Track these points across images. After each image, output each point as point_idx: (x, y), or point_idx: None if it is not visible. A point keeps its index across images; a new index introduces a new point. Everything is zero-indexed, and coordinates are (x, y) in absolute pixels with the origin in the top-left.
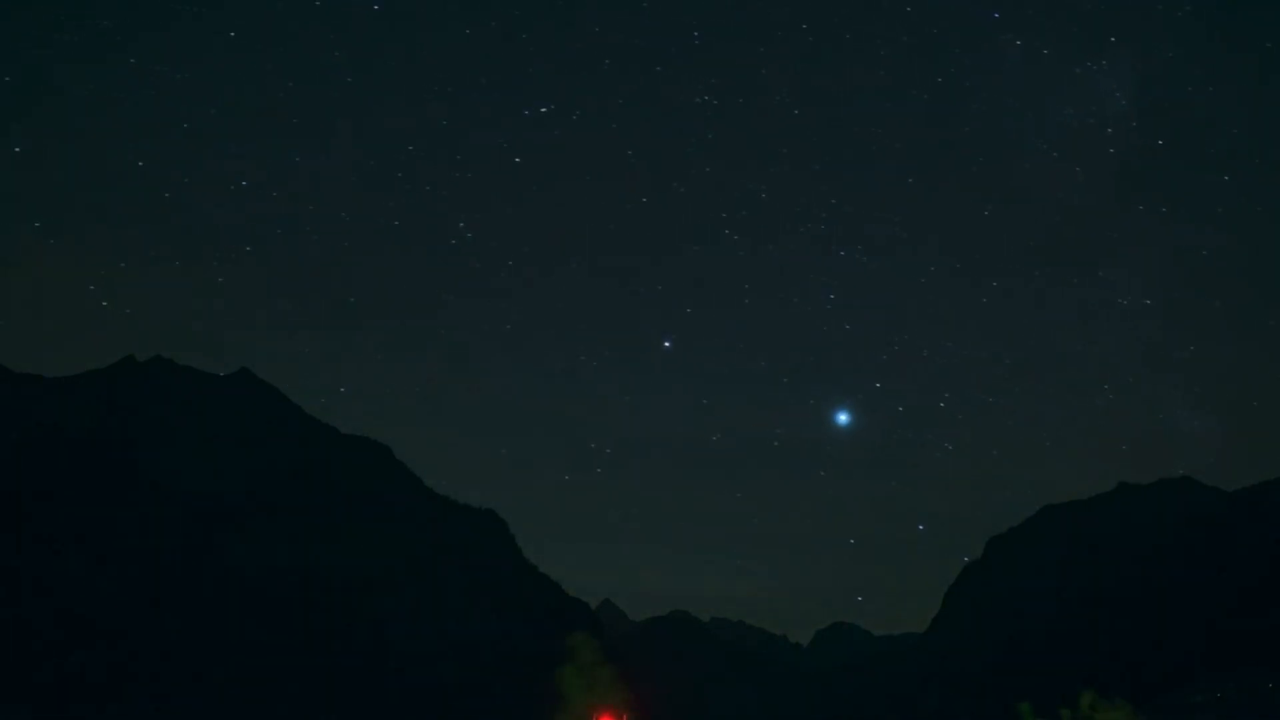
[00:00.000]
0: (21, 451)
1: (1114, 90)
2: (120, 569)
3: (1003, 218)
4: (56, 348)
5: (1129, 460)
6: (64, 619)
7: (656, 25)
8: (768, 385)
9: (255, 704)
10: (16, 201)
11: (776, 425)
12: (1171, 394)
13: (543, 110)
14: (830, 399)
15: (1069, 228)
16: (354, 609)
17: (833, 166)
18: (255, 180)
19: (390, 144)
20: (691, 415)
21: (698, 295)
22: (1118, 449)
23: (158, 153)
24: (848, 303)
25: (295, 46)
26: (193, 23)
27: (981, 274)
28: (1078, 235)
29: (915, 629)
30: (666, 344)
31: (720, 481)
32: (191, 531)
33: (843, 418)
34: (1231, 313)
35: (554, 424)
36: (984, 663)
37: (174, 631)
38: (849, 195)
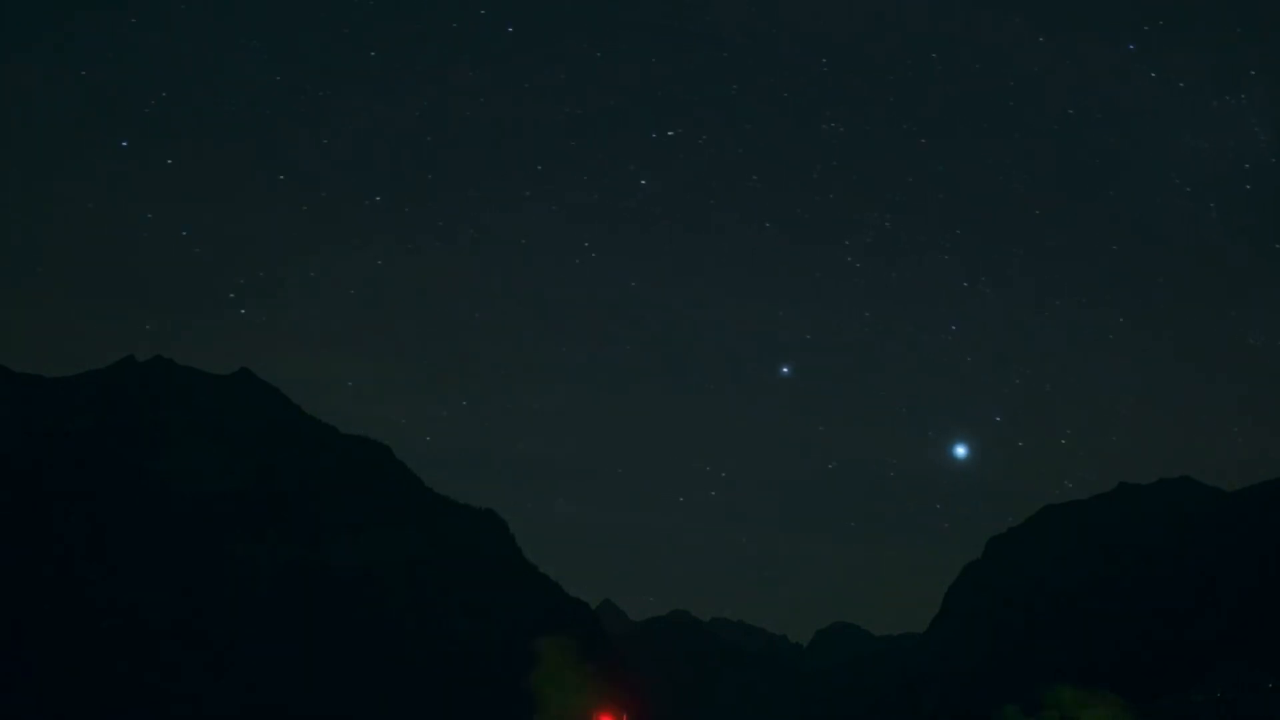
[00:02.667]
0: (22, 451)
1: (1252, 125)
2: (121, 568)
3: (1131, 252)
4: (56, 348)
5: (1129, 460)
6: (65, 617)
7: (786, 52)
8: (885, 414)
9: (256, 701)
10: (16, 201)
11: (892, 455)
12: None
13: (669, 134)
14: (949, 431)
15: (1200, 264)
16: (354, 608)
17: (958, 197)
18: (256, 177)
19: (394, 134)
20: (806, 442)
21: (817, 323)
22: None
23: (159, 153)
24: (968, 334)
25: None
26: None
27: (1108, 309)
28: (1209, 272)
29: (915, 629)
30: (785, 370)
31: (833, 510)
32: (192, 531)
33: (960, 450)
34: None
35: (673, 443)
36: (984, 663)
37: (174, 630)
38: (974, 227)
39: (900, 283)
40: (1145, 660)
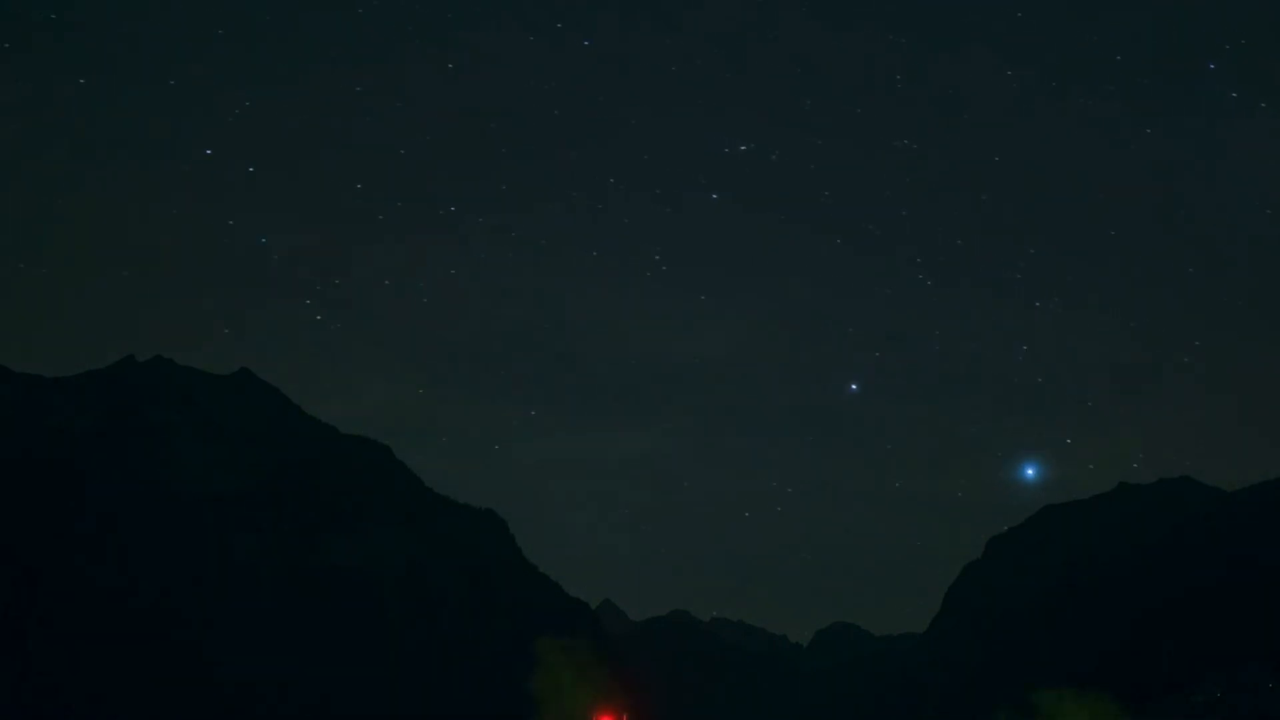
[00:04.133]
0: (22, 451)
1: None
2: (122, 568)
3: (1207, 278)
4: (57, 348)
5: (1128, 460)
6: (65, 617)
7: (858, 68)
8: (949, 434)
9: (256, 701)
10: (17, 202)
11: (959, 476)
12: None
13: (742, 148)
14: (1017, 452)
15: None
16: (354, 608)
17: (1031, 216)
18: (258, 179)
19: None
20: (874, 461)
21: (887, 340)
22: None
23: (160, 154)
24: (1039, 356)
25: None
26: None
27: (1181, 336)
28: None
29: (915, 629)
30: (853, 387)
31: (902, 528)
32: (192, 530)
33: (1030, 471)
34: None
35: (738, 460)
36: (984, 663)
37: (174, 629)
38: (1048, 246)
39: (973, 301)
40: (1145, 660)
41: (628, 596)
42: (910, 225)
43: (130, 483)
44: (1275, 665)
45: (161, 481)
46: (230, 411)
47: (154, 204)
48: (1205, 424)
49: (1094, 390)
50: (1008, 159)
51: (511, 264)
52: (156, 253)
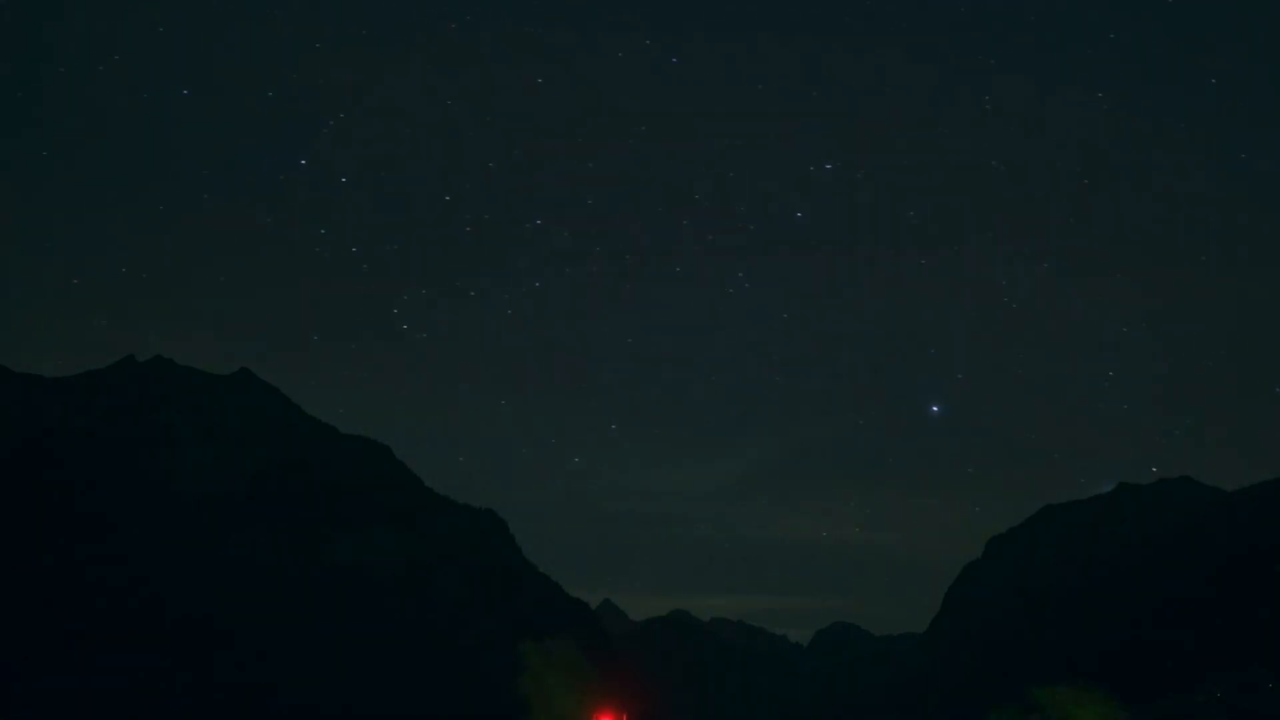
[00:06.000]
0: (22, 451)
1: None
2: (122, 567)
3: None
4: (57, 348)
5: (1129, 460)
6: (65, 616)
7: (943, 91)
8: (1036, 459)
9: (256, 701)
10: (16, 200)
11: (1038, 497)
12: None
13: (827, 167)
14: (1099, 476)
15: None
16: (354, 608)
17: (1124, 241)
18: (261, 181)
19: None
20: (957, 481)
21: (970, 361)
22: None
23: (161, 156)
24: (1127, 380)
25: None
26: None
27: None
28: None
29: (915, 629)
30: (935, 409)
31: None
32: (192, 531)
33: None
34: None
35: (824, 489)
36: (984, 663)
37: (174, 628)
38: (1138, 270)
39: (1058, 325)
40: (1145, 660)
41: (628, 596)
42: (997, 247)
43: (130, 483)
44: (1275, 665)
45: (161, 481)
46: (230, 411)
47: (154, 203)
48: (1205, 424)
49: (1185, 415)
50: (1099, 182)
51: (763, 309)
52: (157, 252)
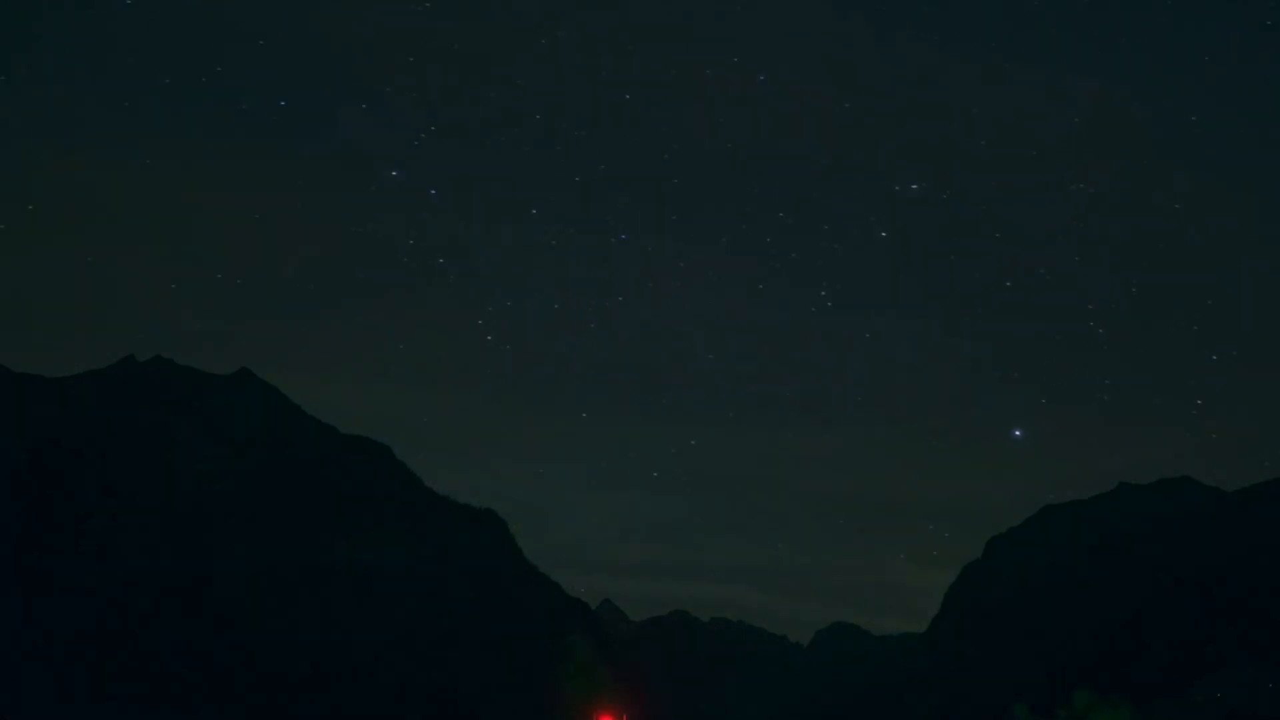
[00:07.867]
0: (21, 452)
1: None
2: (121, 570)
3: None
4: (56, 348)
5: (1129, 460)
6: (65, 618)
7: (1031, 109)
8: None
9: (255, 703)
10: (16, 202)
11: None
12: None
13: (913, 187)
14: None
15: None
16: (354, 609)
17: (1210, 266)
18: (260, 182)
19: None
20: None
21: (1053, 387)
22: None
23: (162, 156)
24: (1213, 410)
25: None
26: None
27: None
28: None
29: (915, 629)
30: (1016, 434)
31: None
32: (191, 532)
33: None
34: None
35: (906, 513)
36: (984, 663)
37: (174, 632)
38: (1225, 299)
39: (1144, 351)
40: (1145, 660)
41: (628, 596)
42: (1084, 271)
43: (130, 483)
44: (1275, 665)
45: (161, 482)
46: (230, 411)
47: (156, 204)
48: (1205, 424)
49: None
50: (1191, 205)
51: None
52: (158, 252)
